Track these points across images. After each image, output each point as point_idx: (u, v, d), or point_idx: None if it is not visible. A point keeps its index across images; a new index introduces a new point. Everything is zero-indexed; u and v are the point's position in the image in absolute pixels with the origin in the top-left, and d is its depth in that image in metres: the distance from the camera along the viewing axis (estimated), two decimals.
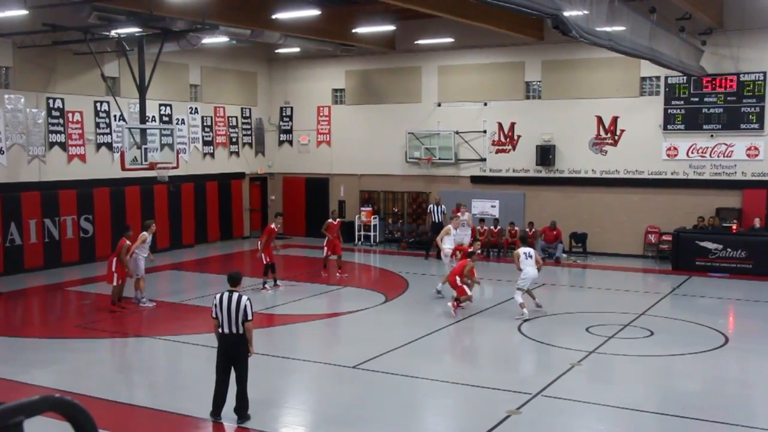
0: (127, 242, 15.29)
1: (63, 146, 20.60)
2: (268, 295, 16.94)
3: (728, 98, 20.72)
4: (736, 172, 20.86)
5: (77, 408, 1.64)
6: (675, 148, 21.52)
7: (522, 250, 15.19)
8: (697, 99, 21.11)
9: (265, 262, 17.32)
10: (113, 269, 15.05)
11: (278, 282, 17.65)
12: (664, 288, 18.25)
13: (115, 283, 15.13)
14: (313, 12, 18.80)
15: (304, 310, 15.46)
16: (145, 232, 15.74)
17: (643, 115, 21.90)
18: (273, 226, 17.73)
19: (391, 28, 22.84)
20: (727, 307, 16.69)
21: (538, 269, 15.17)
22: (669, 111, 21.50)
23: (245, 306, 8.89)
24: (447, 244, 17.36)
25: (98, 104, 21.49)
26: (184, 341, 13.08)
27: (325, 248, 19.15)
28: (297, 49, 24.42)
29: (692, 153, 21.31)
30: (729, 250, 19.56)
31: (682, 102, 21.31)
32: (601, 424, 9.44)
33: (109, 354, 13.23)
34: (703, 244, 19.83)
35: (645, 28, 14.65)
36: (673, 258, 20.46)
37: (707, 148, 21.15)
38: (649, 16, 15.36)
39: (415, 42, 23.91)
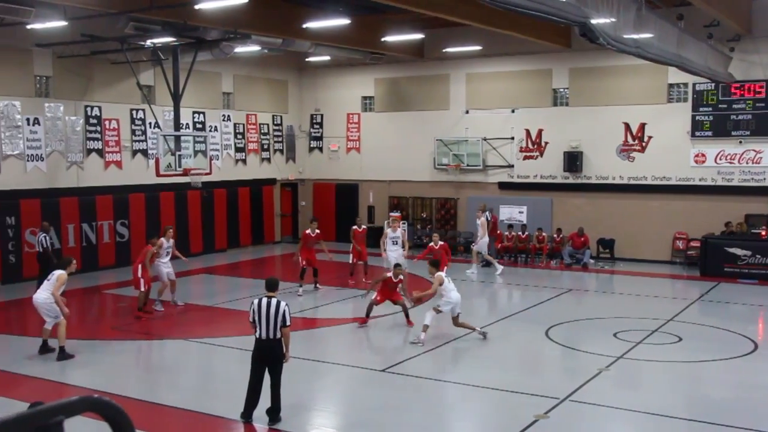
0: (152, 249, 15.53)
1: (100, 153, 21.12)
2: (299, 299, 17.19)
3: (757, 104, 20.64)
4: (765, 179, 20.76)
5: (115, 408, 1.66)
6: (703, 155, 21.47)
7: (443, 274, 13.46)
8: (725, 105, 21.06)
9: (301, 266, 17.79)
10: (139, 275, 15.22)
11: (317, 286, 18.20)
12: (693, 294, 18.23)
13: (142, 289, 15.31)
14: (343, 21, 19.10)
15: (333, 314, 15.69)
16: (162, 239, 16.02)
17: (670, 122, 21.88)
18: (308, 231, 18.23)
19: (419, 36, 23.07)
20: (756, 313, 16.61)
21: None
22: (697, 117, 21.47)
23: (284, 311, 9.05)
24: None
25: (134, 112, 22.01)
26: (216, 344, 13.36)
27: (351, 255, 19.38)
28: (327, 58, 24.74)
29: (720, 159, 21.25)
30: (758, 256, 19.48)
31: (711, 108, 21.26)
32: (629, 429, 9.52)
33: (143, 356, 13.56)
34: (731, 250, 19.77)
35: (672, 35, 14.69)
36: (701, 264, 20.42)
37: (736, 154, 21.08)
38: (677, 23, 15.41)
39: (444, 50, 24.10)
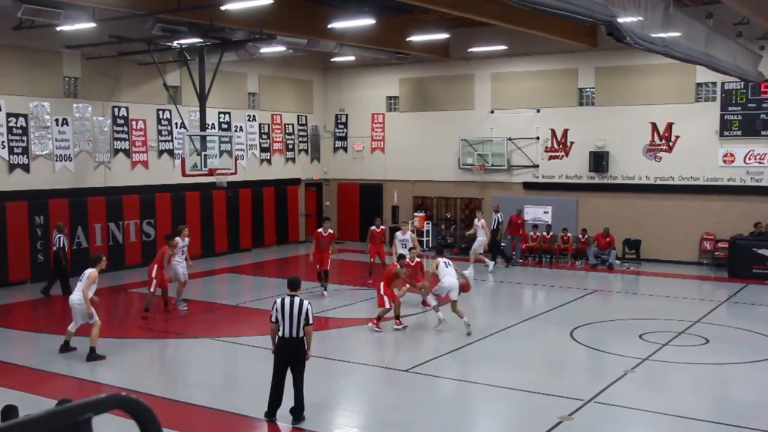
0: (170, 251, 15.56)
1: (127, 153, 21.35)
2: (324, 300, 17.17)
3: None
4: None
5: (143, 406, 1.66)
6: (732, 155, 21.20)
7: (441, 260, 14.48)
8: (754, 105, 20.78)
9: (317, 268, 17.61)
10: (153, 275, 15.24)
11: (326, 290, 17.68)
12: (720, 296, 18.03)
13: (152, 290, 15.31)
14: (369, 21, 19.12)
15: (357, 314, 15.71)
16: (177, 238, 16.07)
17: (698, 122, 21.64)
18: (320, 230, 17.90)
19: (444, 36, 23.03)
20: None
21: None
22: (725, 117, 21.21)
23: (307, 310, 9.11)
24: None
25: (161, 112, 22.21)
26: (240, 343, 13.44)
27: (369, 255, 19.33)
28: (352, 58, 24.79)
29: (750, 159, 20.97)
30: None
31: (740, 108, 21.00)
32: None
33: (169, 354, 13.66)
34: (760, 251, 19.51)
35: (701, 34, 14.50)
36: (729, 265, 20.17)
37: (765, 154, 20.78)
38: (706, 22, 15.22)
39: (469, 50, 24.03)
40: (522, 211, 22.78)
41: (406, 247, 17.71)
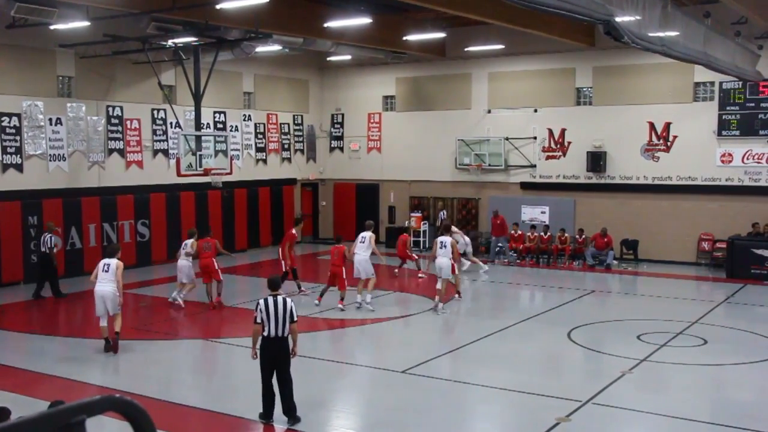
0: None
1: (121, 153, 21.24)
2: (312, 300, 16.97)
3: None
4: None
5: (137, 408, 1.66)
6: (730, 155, 21.15)
7: (439, 239, 15.94)
8: (753, 104, 20.74)
9: (284, 269, 17.22)
10: (216, 267, 16.08)
11: (300, 288, 17.86)
12: (718, 296, 17.97)
13: (221, 279, 16.17)
14: (365, 20, 19.04)
15: (353, 315, 15.63)
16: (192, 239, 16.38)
17: (696, 121, 21.60)
18: (294, 231, 17.85)
19: (441, 35, 22.95)
20: None
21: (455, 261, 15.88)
22: (723, 117, 21.16)
23: (291, 308, 9.14)
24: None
25: (155, 112, 22.11)
26: (236, 344, 13.35)
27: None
28: (348, 57, 24.72)
29: (748, 159, 20.93)
30: None
31: (738, 107, 20.95)
32: None
33: (163, 355, 13.54)
34: (758, 251, 19.46)
35: (699, 33, 14.44)
36: (727, 266, 20.12)
37: (763, 154, 20.74)
38: (704, 21, 15.17)
39: (465, 49, 23.96)
40: (498, 211, 22.73)
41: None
